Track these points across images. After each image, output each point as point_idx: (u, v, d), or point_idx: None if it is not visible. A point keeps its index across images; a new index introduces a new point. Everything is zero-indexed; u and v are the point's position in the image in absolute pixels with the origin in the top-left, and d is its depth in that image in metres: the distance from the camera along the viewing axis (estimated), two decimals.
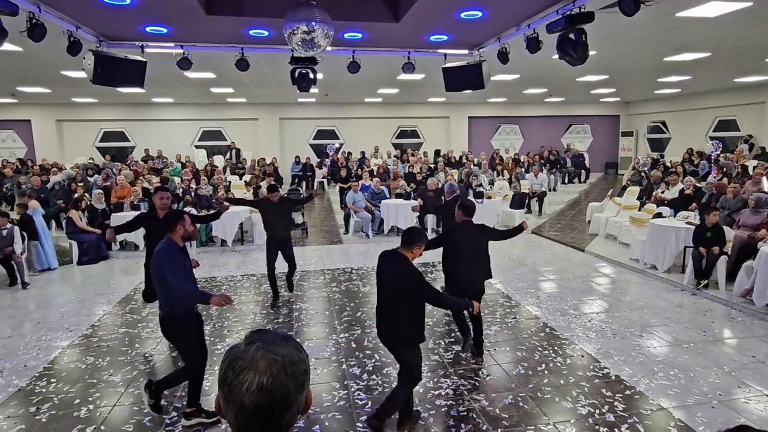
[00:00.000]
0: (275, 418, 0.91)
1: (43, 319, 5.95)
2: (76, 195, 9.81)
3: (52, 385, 4.27)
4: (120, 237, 8.47)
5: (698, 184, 9.86)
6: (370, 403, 3.87)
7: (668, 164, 14.02)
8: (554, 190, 14.34)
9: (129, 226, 5.03)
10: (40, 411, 3.84)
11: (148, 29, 6.19)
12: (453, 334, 5.28)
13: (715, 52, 9.02)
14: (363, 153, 16.95)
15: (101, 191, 9.99)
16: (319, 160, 17.11)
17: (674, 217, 8.19)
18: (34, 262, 7.98)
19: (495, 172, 14.88)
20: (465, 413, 3.72)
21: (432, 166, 14.92)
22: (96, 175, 12.83)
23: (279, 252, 6.28)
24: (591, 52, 5.55)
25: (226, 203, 5.88)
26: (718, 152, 13.34)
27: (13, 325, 5.72)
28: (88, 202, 9.43)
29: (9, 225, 7.30)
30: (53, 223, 10.74)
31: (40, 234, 8.03)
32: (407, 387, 3.39)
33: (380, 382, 4.23)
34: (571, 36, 5.17)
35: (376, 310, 3.45)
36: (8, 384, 4.29)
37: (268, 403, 0.90)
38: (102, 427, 3.61)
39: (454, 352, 4.83)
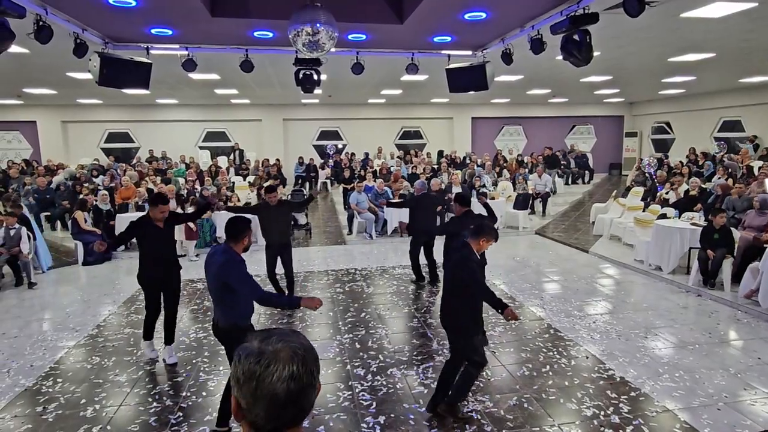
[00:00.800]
0: (304, 402, 0.98)
1: (49, 319, 5.98)
2: (81, 196, 9.86)
3: (58, 384, 4.30)
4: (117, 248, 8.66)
5: (703, 185, 9.83)
6: (374, 403, 3.88)
7: (671, 165, 13.97)
8: (554, 192, 13.82)
9: (120, 240, 4.89)
10: (46, 411, 3.86)
11: (153, 31, 6.22)
12: None
13: (720, 53, 8.99)
14: (366, 154, 16.96)
15: (106, 192, 10.03)
16: (322, 161, 17.14)
17: (679, 218, 8.16)
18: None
19: (498, 172, 14.81)
20: (469, 414, 3.72)
21: (435, 166, 14.92)
22: (101, 176, 12.90)
23: (278, 257, 6.24)
24: (595, 53, 5.55)
25: (217, 200, 5.73)
26: (722, 153, 13.25)
27: (20, 325, 5.76)
28: (94, 203, 9.48)
29: (17, 225, 7.36)
30: (58, 224, 10.81)
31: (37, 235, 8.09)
32: (475, 370, 3.56)
33: (384, 382, 4.23)
34: (576, 37, 5.17)
35: (442, 297, 3.71)
36: (15, 384, 4.32)
37: (298, 389, 0.96)
38: (108, 427, 3.63)
39: None
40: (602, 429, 3.49)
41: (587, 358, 4.68)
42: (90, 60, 5.92)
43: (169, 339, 4.72)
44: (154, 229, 4.54)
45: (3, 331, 5.58)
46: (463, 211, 5.42)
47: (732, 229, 6.77)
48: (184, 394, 4.10)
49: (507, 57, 6.71)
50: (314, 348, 1.03)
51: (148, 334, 4.78)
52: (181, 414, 3.79)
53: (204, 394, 4.11)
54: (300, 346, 0.99)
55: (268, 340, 0.99)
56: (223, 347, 5.03)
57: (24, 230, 7.41)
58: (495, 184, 13.19)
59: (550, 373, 4.36)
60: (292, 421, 0.98)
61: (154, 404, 3.95)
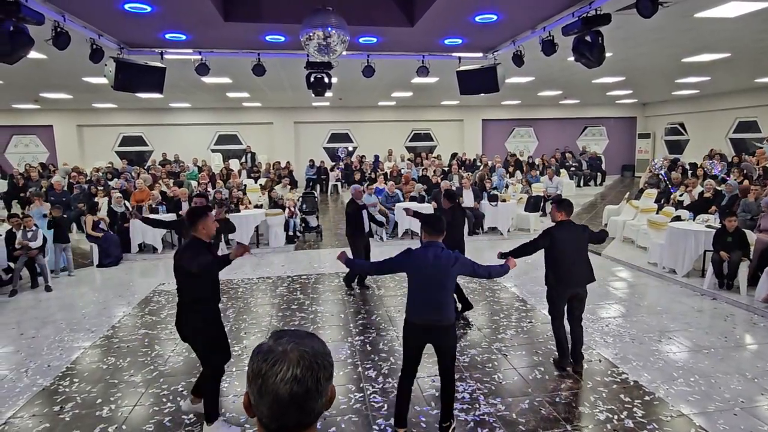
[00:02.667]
0: (308, 407, 0.97)
1: (65, 320, 6.08)
2: (96, 199, 10.01)
3: (74, 384, 4.37)
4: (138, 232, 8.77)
5: (718, 188, 9.69)
6: (385, 405, 3.88)
7: (686, 167, 13.80)
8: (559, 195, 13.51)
9: (161, 224, 5.63)
10: (63, 410, 3.93)
11: (167, 36, 6.32)
12: (468, 338, 5.27)
13: (735, 53, 8.87)
14: (376, 157, 17.00)
15: (120, 195, 10.18)
16: (333, 163, 17.21)
17: (693, 220, 8.05)
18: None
19: (511, 173, 14.72)
20: (481, 418, 3.71)
21: (446, 168, 14.90)
22: (116, 179, 13.09)
23: None
24: (607, 54, 5.51)
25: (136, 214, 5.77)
26: (724, 174, 12.80)
27: (37, 326, 5.86)
28: (109, 206, 9.62)
29: (34, 227, 7.49)
30: (74, 226, 10.98)
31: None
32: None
33: (395, 385, 4.23)
34: (588, 38, 5.14)
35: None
36: (33, 383, 4.40)
37: (302, 392, 0.95)
38: (123, 427, 3.68)
39: (469, 355, 4.82)
40: None
41: (600, 361, 4.64)
42: (106, 65, 6.03)
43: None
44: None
45: (21, 332, 5.69)
46: (450, 205, 5.94)
47: (748, 231, 6.67)
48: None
49: (518, 59, 6.70)
50: (329, 354, 1.02)
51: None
52: (194, 414, 3.83)
53: None
54: (310, 350, 0.98)
55: (281, 340, 0.99)
56: (234, 350, 5.08)
57: (41, 233, 7.54)
58: (507, 186, 13.13)
59: (563, 377, 4.33)
60: (297, 424, 0.97)
61: (168, 404, 3.99)
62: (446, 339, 3.33)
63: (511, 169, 15.55)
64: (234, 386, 4.30)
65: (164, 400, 4.07)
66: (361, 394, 4.08)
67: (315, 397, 0.97)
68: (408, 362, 3.37)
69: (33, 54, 7.13)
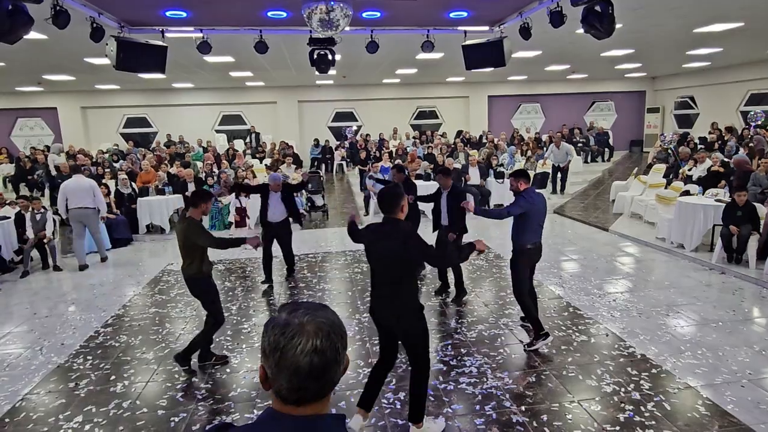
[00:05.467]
0: (327, 377, 0.98)
1: (77, 300, 6.17)
2: (103, 181, 10.05)
3: (88, 362, 4.45)
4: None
5: (726, 159, 9.58)
6: (393, 380, 3.93)
7: (697, 141, 13.61)
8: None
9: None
10: (78, 386, 4.01)
11: (168, 14, 6.22)
12: (475, 314, 5.30)
13: (749, 22, 8.62)
14: (381, 135, 16.87)
15: (126, 177, 10.20)
16: (338, 142, 17.11)
17: (703, 194, 7.97)
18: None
19: (523, 151, 14.43)
20: (489, 391, 3.75)
21: (452, 146, 14.79)
22: (121, 161, 13.11)
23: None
24: (617, 25, 5.37)
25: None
26: (759, 123, 12.77)
27: (49, 306, 5.96)
28: (116, 187, 9.67)
29: (43, 209, 7.54)
30: None
31: None
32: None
33: (404, 359, 4.27)
34: (597, 8, 5.00)
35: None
36: (48, 361, 4.49)
37: (322, 363, 0.96)
38: (137, 402, 3.76)
39: (476, 331, 4.85)
40: (622, 405, 3.49)
41: (607, 335, 4.66)
42: (107, 44, 5.96)
43: None
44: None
45: (34, 311, 5.78)
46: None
47: (758, 205, 6.59)
48: (209, 370, 4.21)
49: (525, 31, 6.55)
50: (341, 324, 1.03)
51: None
52: (206, 390, 3.90)
53: (228, 370, 4.22)
54: (326, 321, 0.99)
55: (296, 313, 0.99)
56: (244, 327, 5.15)
57: (50, 215, 7.60)
58: (512, 164, 13.01)
59: (570, 350, 4.36)
60: (315, 395, 0.98)
61: (181, 380, 4.07)
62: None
63: (524, 147, 15.12)
64: (244, 362, 4.36)
65: (176, 376, 4.15)
66: (369, 370, 4.12)
67: (334, 368, 0.98)
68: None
69: (33, 35, 7.08)
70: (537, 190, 4.62)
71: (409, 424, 3.20)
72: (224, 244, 4.14)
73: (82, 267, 7.45)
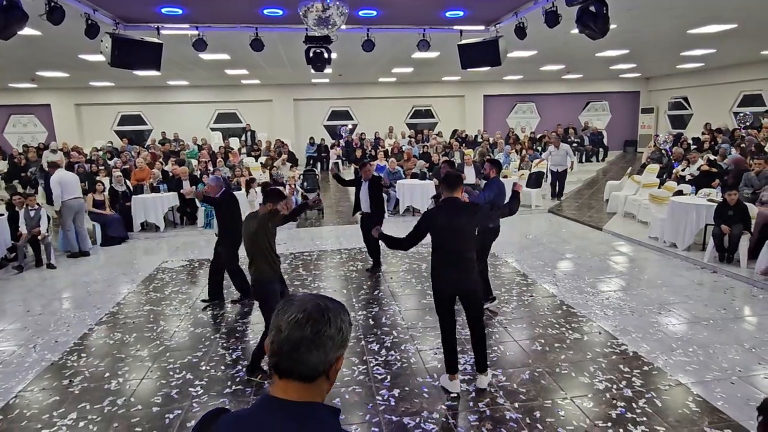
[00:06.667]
0: (300, 355, 0.99)
1: (71, 297, 6.15)
2: (98, 178, 10.01)
3: (82, 359, 4.44)
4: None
5: (713, 157, 9.68)
6: (389, 377, 3.95)
7: (690, 141, 13.71)
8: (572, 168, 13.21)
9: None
10: (72, 384, 4.01)
11: (163, 10, 6.20)
12: None
13: (742, 24, 8.70)
14: (377, 134, 16.88)
15: (120, 174, 10.16)
16: (333, 141, 17.10)
17: (695, 194, 8.04)
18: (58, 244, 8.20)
19: (518, 150, 14.48)
20: (482, 388, 3.77)
21: (446, 144, 14.82)
22: (116, 158, 13.05)
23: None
24: (612, 25, 5.41)
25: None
26: (747, 124, 12.90)
27: (43, 303, 5.93)
28: (110, 185, 9.63)
29: (37, 206, 7.51)
30: None
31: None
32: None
33: (398, 357, 4.31)
34: (592, 8, 5.04)
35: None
36: (41, 358, 4.48)
37: (297, 337, 0.98)
38: (132, 399, 3.76)
39: None
40: (614, 402, 3.52)
41: (600, 333, 4.70)
42: (102, 41, 5.94)
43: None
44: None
45: (27, 309, 5.76)
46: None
47: (749, 204, 6.66)
48: (203, 368, 4.22)
49: (520, 31, 6.58)
50: (342, 316, 1.03)
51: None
52: (200, 387, 3.91)
53: (222, 367, 4.22)
54: (322, 304, 1.02)
55: (304, 294, 1.07)
56: (243, 324, 5.15)
57: (44, 211, 7.57)
58: (507, 163, 13.04)
59: (563, 348, 4.39)
60: (289, 371, 0.99)
61: (176, 377, 4.07)
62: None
63: (518, 147, 15.19)
64: (239, 360, 4.36)
65: (171, 373, 4.15)
66: (365, 367, 4.15)
67: (309, 348, 0.98)
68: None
69: (28, 30, 7.04)
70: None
71: (478, 374, 3.78)
72: (292, 214, 4.42)
73: (75, 255, 7.78)
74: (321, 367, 1.00)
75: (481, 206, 3.71)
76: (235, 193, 9.68)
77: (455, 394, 3.68)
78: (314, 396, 1.01)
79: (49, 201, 7.80)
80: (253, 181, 9.71)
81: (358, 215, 7.18)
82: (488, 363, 3.82)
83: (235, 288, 5.79)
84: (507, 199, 5.07)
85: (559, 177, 11.69)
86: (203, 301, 5.76)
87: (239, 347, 4.62)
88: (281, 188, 5.52)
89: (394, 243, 3.73)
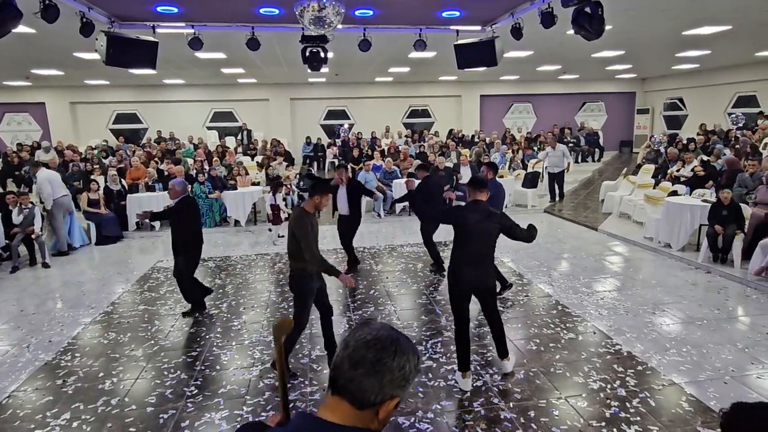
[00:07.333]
0: (355, 377, 0.99)
1: (65, 297, 6.12)
2: (92, 177, 9.96)
3: (76, 359, 4.42)
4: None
5: (706, 157, 9.73)
6: None
7: (685, 141, 13.77)
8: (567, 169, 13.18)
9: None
10: (66, 383, 3.99)
11: (159, 9, 6.18)
12: None
13: (737, 25, 8.75)
14: (373, 133, 16.88)
15: (115, 173, 10.11)
16: (330, 140, 17.08)
17: (690, 195, 8.08)
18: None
19: (515, 150, 14.49)
20: (477, 387, 3.78)
21: (443, 144, 14.83)
22: (111, 157, 12.99)
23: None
24: (607, 27, 5.43)
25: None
26: (739, 125, 12.99)
27: (37, 303, 5.90)
28: (105, 184, 9.58)
29: (30, 205, 7.47)
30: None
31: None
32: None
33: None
34: (587, 9, 5.05)
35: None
36: (35, 358, 4.46)
37: (357, 357, 0.99)
38: (126, 399, 3.75)
39: None
40: (608, 401, 3.54)
41: (594, 333, 4.71)
42: (97, 39, 5.91)
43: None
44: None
45: (21, 309, 5.73)
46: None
47: (743, 205, 6.70)
48: (198, 367, 4.21)
49: (517, 32, 6.59)
50: (410, 352, 1.03)
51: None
52: (195, 387, 3.90)
53: (218, 367, 4.21)
54: (396, 336, 1.02)
55: (380, 323, 1.08)
56: (234, 324, 5.14)
57: (37, 210, 7.53)
58: (503, 163, 13.06)
59: (558, 348, 4.40)
60: (344, 389, 0.99)
61: (170, 377, 4.06)
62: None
63: (515, 147, 15.20)
64: (234, 360, 4.36)
65: (165, 372, 4.14)
66: None
67: (368, 372, 0.98)
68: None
69: (22, 28, 7.00)
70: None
71: (501, 361, 4.00)
72: (320, 263, 3.75)
73: (64, 253, 7.91)
74: (372, 397, 0.99)
75: (509, 218, 3.83)
76: (233, 192, 9.74)
77: (467, 392, 3.72)
78: (365, 422, 1.00)
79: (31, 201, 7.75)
80: (281, 185, 8.96)
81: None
82: (507, 350, 4.00)
83: (184, 299, 5.41)
84: (504, 200, 5.32)
85: (557, 179, 11.37)
86: (184, 314, 5.37)
87: (234, 346, 4.61)
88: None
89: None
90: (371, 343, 0.99)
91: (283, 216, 8.53)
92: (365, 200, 10.50)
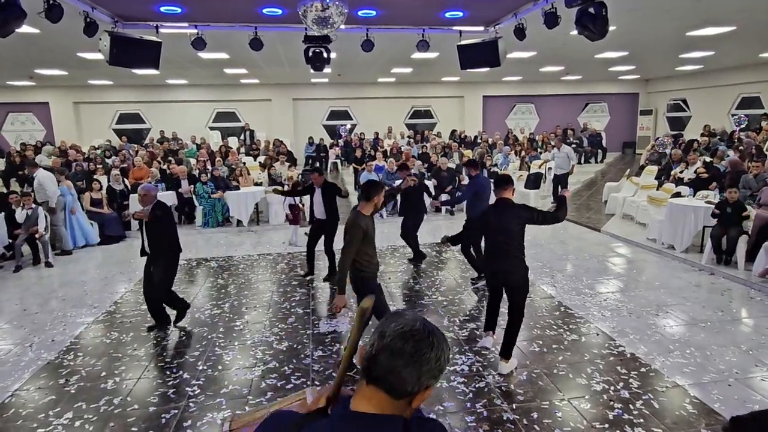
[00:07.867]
0: (393, 368, 0.99)
1: (68, 296, 6.13)
2: (95, 177, 9.98)
3: (79, 358, 4.43)
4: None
5: (709, 159, 9.69)
6: None
7: (689, 141, 13.73)
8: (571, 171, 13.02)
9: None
10: (68, 383, 3.99)
11: (162, 9, 6.19)
12: (468, 312, 5.33)
13: (741, 26, 8.71)
14: (376, 134, 16.88)
15: (118, 173, 10.14)
16: (332, 140, 17.09)
17: (693, 196, 8.05)
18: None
19: (518, 152, 14.49)
20: (480, 389, 3.77)
21: (445, 144, 14.82)
22: (114, 157, 13.02)
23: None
24: (611, 27, 5.41)
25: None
26: (743, 126, 12.95)
27: (40, 302, 5.91)
28: (108, 184, 9.60)
29: (34, 205, 7.49)
30: None
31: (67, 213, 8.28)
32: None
33: None
34: (591, 10, 5.04)
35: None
36: (37, 357, 4.46)
37: (396, 348, 0.99)
38: (128, 398, 3.75)
39: (468, 329, 4.88)
40: (612, 403, 3.52)
41: (597, 335, 4.70)
42: (100, 39, 5.92)
43: None
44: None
45: (24, 308, 5.74)
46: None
47: (748, 207, 6.67)
48: (200, 367, 4.21)
49: (520, 32, 6.58)
50: (444, 345, 1.04)
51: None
52: (197, 387, 3.90)
53: (220, 367, 4.21)
54: (431, 328, 1.03)
55: (412, 314, 1.07)
56: (236, 324, 5.14)
57: (41, 210, 7.55)
58: (506, 164, 13.05)
59: (561, 349, 4.39)
60: (378, 378, 1.00)
61: (172, 377, 4.06)
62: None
63: (518, 148, 15.16)
64: (236, 359, 4.36)
65: (167, 372, 4.14)
66: None
67: (407, 362, 0.99)
68: None
69: (26, 28, 7.03)
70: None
71: (500, 360, 4.03)
72: (341, 270, 4.00)
73: (67, 252, 7.95)
74: (410, 387, 1.00)
75: (531, 208, 4.05)
76: (236, 192, 9.74)
77: (470, 394, 3.72)
78: (399, 411, 1.01)
79: (35, 201, 7.74)
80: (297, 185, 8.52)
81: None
82: (510, 353, 4.02)
83: (150, 313, 5.01)
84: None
85: (561, 180, 11.18)
86: (149, 328, 5.00)
87: (237, 346, 4.60)
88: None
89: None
90: (408, 334, 1.00)
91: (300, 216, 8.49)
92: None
